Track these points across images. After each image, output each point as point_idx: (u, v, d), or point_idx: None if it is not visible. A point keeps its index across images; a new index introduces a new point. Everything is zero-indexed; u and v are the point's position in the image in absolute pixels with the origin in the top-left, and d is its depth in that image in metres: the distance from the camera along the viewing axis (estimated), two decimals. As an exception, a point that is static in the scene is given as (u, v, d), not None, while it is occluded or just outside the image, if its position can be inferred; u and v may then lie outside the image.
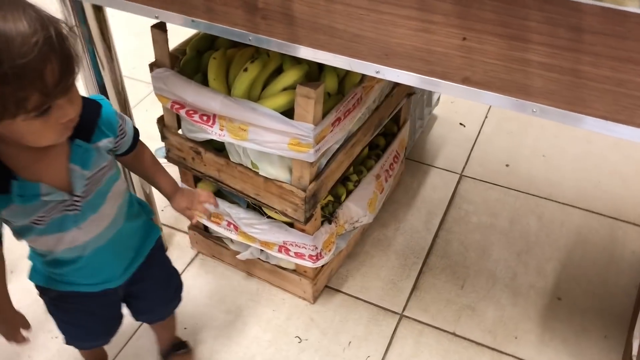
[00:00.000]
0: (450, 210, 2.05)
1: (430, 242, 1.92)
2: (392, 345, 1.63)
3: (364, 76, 1.44)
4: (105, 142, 1.02)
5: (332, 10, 0.98)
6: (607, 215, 2.01)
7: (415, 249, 1.90)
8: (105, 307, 1.26)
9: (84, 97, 0.93)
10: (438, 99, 2.43)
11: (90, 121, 0.98)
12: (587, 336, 1.64)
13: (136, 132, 1.13)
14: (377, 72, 1.02)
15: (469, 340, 1.64)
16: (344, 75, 1.44)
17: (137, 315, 1.38)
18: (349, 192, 1.70)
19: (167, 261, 1.36)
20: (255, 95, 1.37)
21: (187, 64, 1.47)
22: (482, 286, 1.79)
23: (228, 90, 1.39)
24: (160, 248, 1.30)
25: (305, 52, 1.04)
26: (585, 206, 2.04)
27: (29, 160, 0.92)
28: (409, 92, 1.87)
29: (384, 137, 1.93)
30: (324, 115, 1.32)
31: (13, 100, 0.76)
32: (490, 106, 2.48)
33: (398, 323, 1.68)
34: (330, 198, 1.63)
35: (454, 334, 1.66)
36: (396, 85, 1.70)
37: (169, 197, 1.24)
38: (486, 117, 2.47)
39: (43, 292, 1.17)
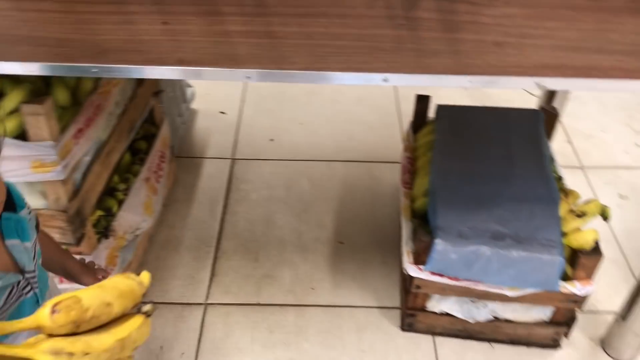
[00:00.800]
0: (230, 193, 2.12)
1: (218, 229, 1.98)
2: (203, 335, 1.65)
3: (97, 82, 1.42)
4: (25, 212, 0.87)
5: (27, 19, 0.96)
6: (363, 161, 2.26)
7: (206, 239, 1.94)
8: None
9: None
10: (193, 93, 2.48)
11: (6, 191, 0.83)
12: (369, 267, 1.85)
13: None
14: (95, 72, 1.02)
15: (273, 305, 1.74)
16: (75, 85, 1.40)
17: None
18: (120, 202, 1.66)
19: None
20: (-21, 126, 1.27)
21: None
22: (275, 253, 1.90)
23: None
24: None
25: (8, 67, 0.99)
26: (345, 158, 2.27)
27: None
28: (155, 90, 1.88)
29: (146, 140, 1.92)
30: (64, 129, 1.28)
31: None
32: (246, 90, 2.61)
33: (204, 312, 1.71)
34: (100, 212, 1.58)
35: (258, 304, 1.74)
36: (138, 86, 1.70)
37: (77, 276, 1.07)
38: (243, 101, 2.59)
39: None
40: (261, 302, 1.75)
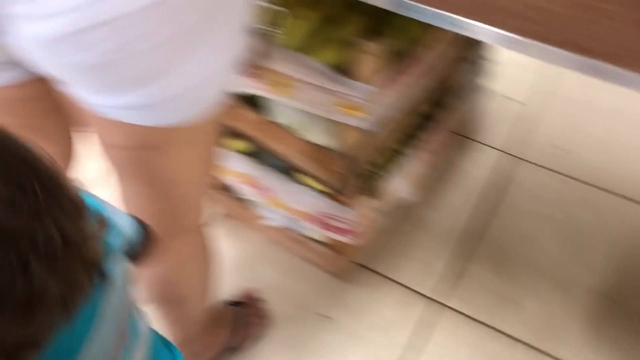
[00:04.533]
0: (500, 194, 1.87)
1: (477, 228, 1.76)
2: (426, 333, 1.49)
3: (428, 34, 1.26)
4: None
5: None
6: (670, 214, 1.83)
7: (460, 233, 1.74)
8: None
9: None
10: (488, 69, 2.22)
11: None
12: (641, 344, 1.49)
13: None
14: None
15: (510, 337, 1.50)
16: (406, 31, 1.25)
17: None
18: (395, 165, 1.53)
19: None
20: (303, 45, 1.19)
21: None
22: (529, 280, 1.63)
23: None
24: None
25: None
26: (647, 202, 1.86)
27: None
28: (464, 56, 1.68)
29: (435, 107, 1.75)
30: (386, 76, 1.15)
31: None
32: (546, 84, 2.28)
33: (426, 307, 1.54)
34: (374, 169, 1.47)
35: (494, 328, 1.52)
36: (460, 49, 1.52)
37: None
38: (540, 93, 2.27)
39: None
40: (499, 329, 1.52)
